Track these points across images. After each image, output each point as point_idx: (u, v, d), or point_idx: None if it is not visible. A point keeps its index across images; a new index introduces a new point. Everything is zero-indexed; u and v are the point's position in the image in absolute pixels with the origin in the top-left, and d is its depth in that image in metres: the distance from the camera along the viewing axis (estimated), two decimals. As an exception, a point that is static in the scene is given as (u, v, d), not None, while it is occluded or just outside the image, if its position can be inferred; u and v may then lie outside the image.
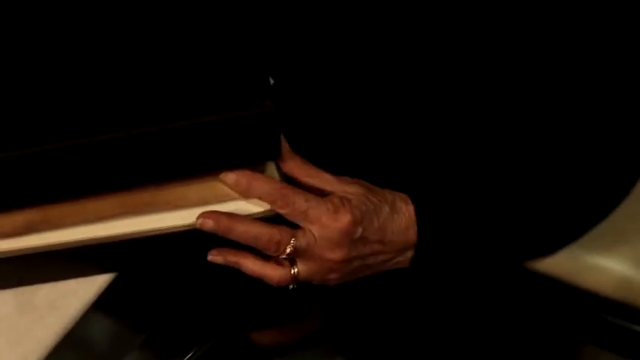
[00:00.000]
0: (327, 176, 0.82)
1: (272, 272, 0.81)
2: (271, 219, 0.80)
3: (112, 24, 0.83)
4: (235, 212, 0.80)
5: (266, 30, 0.85)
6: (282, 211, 0.79)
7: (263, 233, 0.79)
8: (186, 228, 0.80)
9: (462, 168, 0.89)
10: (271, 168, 0.82)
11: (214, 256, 0.82)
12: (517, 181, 0.87)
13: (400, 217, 0.82)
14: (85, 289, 0.83)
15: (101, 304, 0.83)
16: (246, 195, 0.80)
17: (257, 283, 0.82)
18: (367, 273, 0.84)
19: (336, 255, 0.80)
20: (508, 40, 0.84)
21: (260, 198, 0.80)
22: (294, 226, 0.80)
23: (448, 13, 0.84)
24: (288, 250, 0.80)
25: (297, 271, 0.81)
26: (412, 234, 0.82)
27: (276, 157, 0.80)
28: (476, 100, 0.88)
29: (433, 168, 0.91)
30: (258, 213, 0.81)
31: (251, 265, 0.81)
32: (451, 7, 0.83)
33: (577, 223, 0.92)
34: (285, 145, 0.81)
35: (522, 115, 0.87)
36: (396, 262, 0.84)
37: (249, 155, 0.79)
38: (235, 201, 0.81)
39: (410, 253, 0.83)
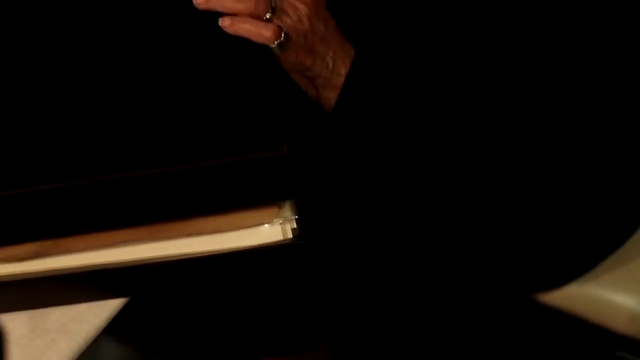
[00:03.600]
0: None
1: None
2: (284, 247, 0.81)
3: (135, 65, 0.85)
4: (249, 243, 0.81)
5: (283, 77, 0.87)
6: None
7: None
8: (199, 255, 0.81)
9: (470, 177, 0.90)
10: (287, 206, 0.83)
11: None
12: (528, 208, 0.87)
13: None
14: (97, 313, 0.84)
15: (112, 329, 0.84)
16: None
17: (268, 310, 0.83)
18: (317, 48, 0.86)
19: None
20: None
21: None
22: None
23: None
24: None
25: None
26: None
27: (292, 197, 0.82)
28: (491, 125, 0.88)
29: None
30: (272, 242, 0.81)
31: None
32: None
33: (586, 255, 0.92)
34: None
35: (539, 148, 0.88)
36: (335, 65, 0.86)
37: (265, 194, 0.81)
38: (249, 230, 0.81)
39: (344, 70, 0.86)
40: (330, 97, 0.86)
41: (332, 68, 0.86)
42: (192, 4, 0.83)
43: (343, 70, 0.86)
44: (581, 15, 0.84)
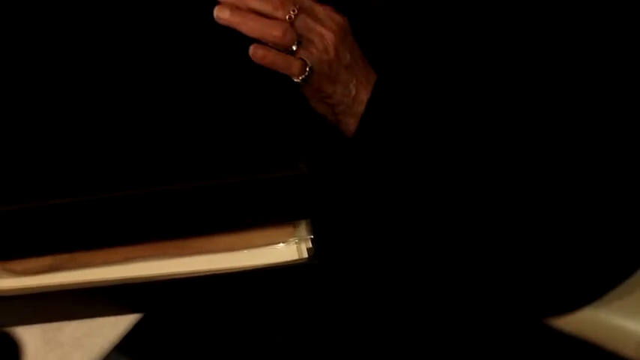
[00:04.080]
0: None
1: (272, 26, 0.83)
2: (299, 267, 0.82)
3: (157, 81, 0.86)
4: (264, 261, 0.81)
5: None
6: None
7: None
8: (213, 273, 0.81)
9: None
10: (303, 226, 0.83)
11: (216, 10, 0.83)
12: (542, 233, 0.87)
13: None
14: (111, 327, 0.84)
15: (126, 344, 0.84)
16: None
17: (281, 329, 0.83)
18: (341, 78, 0.86)
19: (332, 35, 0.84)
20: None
21: None
22: None
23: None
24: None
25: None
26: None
27: (308, 216, 0.83)
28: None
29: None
30: (287, 262, 0.82)
31: (252, 22, 0.83)
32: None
33: (599, 281, 0.92)
34: None
35: (557, 173, 0.88)
36: (357, 93, 0.86)
37: (282, 213, 0.81)
38: (265, 248, 0.82)
39: (365, 97, 0.86)
40: (350, 123, 0.87)
41: (354, 96, 0.86)
42: (216, 26, 0.84)
43: (365, 98, 0.86)
44: (587, 21, 0.84)
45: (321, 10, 0.85)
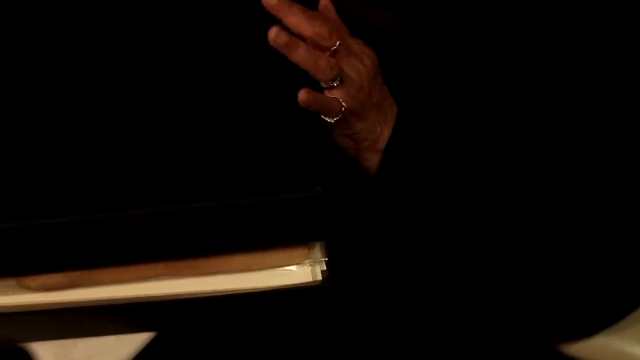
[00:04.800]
0: None
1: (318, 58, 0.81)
2: (313, 289, 0.82)
3: (174, 100, 0.86)
4: (278, 283, 0.81)
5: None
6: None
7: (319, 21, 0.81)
8: (227, 293, 0.81)
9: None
10: (318, 248, 0.83)
11: (274, 33, 0.80)
12: (556, 260, 0.87)
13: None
14: (123, 346, 0.84)
15: (138, 363, 0.84)
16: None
17: (293, 352, 0.83)
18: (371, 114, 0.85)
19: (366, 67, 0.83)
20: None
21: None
22: None
23: None
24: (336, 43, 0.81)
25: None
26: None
27: (323, 239, 0.83)
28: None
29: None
30: (300, 284, 0.82)
31: (304, 53, 0.81)
32: None
33: (612, 308, 0.92)
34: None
35: (570, 202, 0.88)
36: (382, 131, 0.86)
37: (297, 235, 0.81)
38: (278, 269, 0.82)
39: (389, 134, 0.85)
40: (372, 159, 0.87)
41: (379, 133, 0.86)
42: (236, 44, 0.84)
43: (387, 134, 0.85)
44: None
45: (355, 45, 0.85)
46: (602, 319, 0.93)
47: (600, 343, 0.94)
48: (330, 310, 0.86)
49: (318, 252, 0.82)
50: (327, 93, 0.83)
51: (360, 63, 0.84)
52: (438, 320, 0.91)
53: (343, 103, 0.83)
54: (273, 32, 0.80)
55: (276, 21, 0.82)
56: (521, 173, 0.87)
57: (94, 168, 0.81)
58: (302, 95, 0.81)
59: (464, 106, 0.89)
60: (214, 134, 0.83)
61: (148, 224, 0.79)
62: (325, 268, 0.82)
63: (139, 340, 0.85)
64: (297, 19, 0.81)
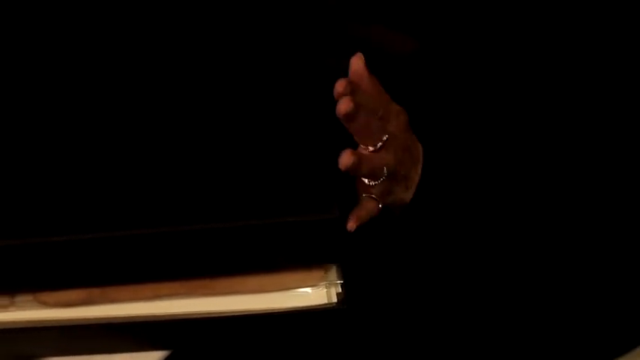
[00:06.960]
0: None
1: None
2: (328, 311, 0.82)
3: (195, 122, 0.86)
4: (293, 304, 0.81)
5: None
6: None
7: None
8: (242, 313, 0.82)
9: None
10: (334, 270, 0.83)
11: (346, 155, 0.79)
12: (576, 284, 0.87)
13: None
14: (138, 364, 0.85)
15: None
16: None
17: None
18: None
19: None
20: None
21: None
22: None
23: None
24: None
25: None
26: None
27: (339, 261, 0.83)
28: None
29: None
30: (315, 306, 0.82)
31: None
32: None
33: (632, 332, 0.91)
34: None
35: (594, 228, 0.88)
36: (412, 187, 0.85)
37: (313, 257, 0.82)
38: (294, 291, 0.82)
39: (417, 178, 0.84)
40: (397, 207, 0.86)
41: (407, 188, 0.85)
42: (256, 60, 0.83)
43: (417, 179, 0.84)
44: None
45: (393, 103, 0.84)
46: (620, 344, 0.92)
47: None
48: (344, 333, 0.85)
49: (333, 274, 0.82)
50: (373, 155, 0.82)
51: (397, 121, 0.83)
52: (454, 345, 0.91)
53: (385, 168, 0.82)
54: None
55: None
56: (547, 196, 0.86)
57: (115, 185, 0.82)
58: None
59: (486, 130, 0.89)
60: (231, 155, 0.83)
61: (165, 243, 0.80)
62: (341, 290, 0.82)
63: (154, 358, 0.85)
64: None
